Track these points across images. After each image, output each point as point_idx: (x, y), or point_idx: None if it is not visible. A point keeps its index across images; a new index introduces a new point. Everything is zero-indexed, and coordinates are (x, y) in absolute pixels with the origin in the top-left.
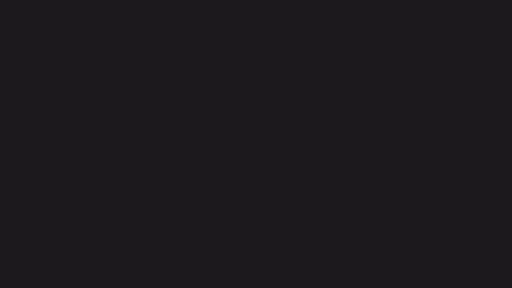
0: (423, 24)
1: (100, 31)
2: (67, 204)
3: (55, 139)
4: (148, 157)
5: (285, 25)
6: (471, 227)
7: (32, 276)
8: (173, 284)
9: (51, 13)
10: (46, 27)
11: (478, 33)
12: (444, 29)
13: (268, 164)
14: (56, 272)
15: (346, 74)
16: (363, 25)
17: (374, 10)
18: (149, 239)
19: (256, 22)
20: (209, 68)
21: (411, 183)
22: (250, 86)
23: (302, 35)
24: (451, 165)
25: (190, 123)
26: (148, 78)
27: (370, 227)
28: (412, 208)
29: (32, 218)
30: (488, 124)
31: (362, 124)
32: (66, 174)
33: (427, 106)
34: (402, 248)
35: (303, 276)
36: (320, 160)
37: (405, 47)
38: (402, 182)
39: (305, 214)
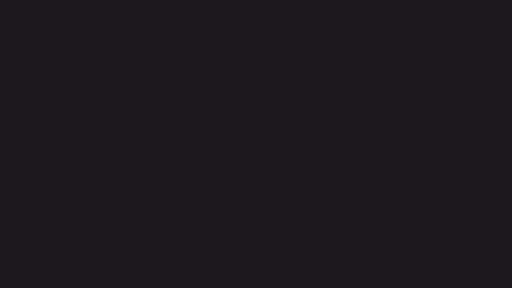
0: (423, 24)
1: (100, 31)
2: (67, 204)
3: (55, 139)
4: (148, 157)
5: (285, 25)
6: (471, 227)
7: (32, 276)
8: (173, 284)
9: (51, 13)
10: (46, 27)
11: (478, 33)
12: (444, 29)
13: (268, 164)
14: (56, 272)
15: (346, 74)
16: (363, 25)
17: (374, 10)
18: (149, 239)
19: (256, 22)
20: (209, 68)
21: (411, 183)
22: (250, 86)
23: (302, 35)
24: (451, 165)
25: (190, 123)
26: (148, 78)
27: (370, 227)
28: (412, 208)
29: (32, 218)
30: (488, 124)
31: (362, 124)
32: (66, 174)
33: (427, 106)
34: (402, 248)
35: (303, 276)
36: (320, 160)
37: (405, 47)
38: (402, 182)
39: (305, 214)
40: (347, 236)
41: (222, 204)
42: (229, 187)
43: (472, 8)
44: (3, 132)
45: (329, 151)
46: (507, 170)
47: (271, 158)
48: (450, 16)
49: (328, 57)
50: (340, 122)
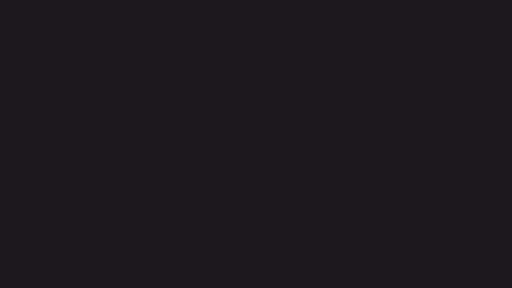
0: (423, 24)
1: (100, 31)
2: (67, 204)
3: (55, 139)
4: (148, 157)
5: (285, 25)
6: (471, 227)
7: (32, 276)
8: (173, 284)
9: (51, 13)
10: (46, 27)
11: (478, 33)
12: (444, 29)
13: (268, 164)
14: (56, 272)
15: (346, 74)
16: (363, 25)
17: (374, 10)
18: (149, 239)
19: (256, 22)
20: (209, 68)
21: (411, 183)
22: (250, 86)
23: (302, 35)
24: (451, 165)
25: (190, 123)
26: (148, 78)
27: (370, 227)
28: (412, 208)
29: (32, 218)
30: (488, 124)
31: (362, 124)
32: (66, 174)
33: (427, 106)
34: (402, 248)
35: (303, 276)
36: (320, 160)
37: (405, 47)
38: (402, 182)
39: (305, 214)
40: (347, 236)
41: (222, 204)
42: (229, 187)
43: (472, 8)
44: (3, 132)
45: (329, 151)
46: (507, 170)
47: (271, 158)
48: (450, 16)
49: (328, 57)
50: (340, 122)
